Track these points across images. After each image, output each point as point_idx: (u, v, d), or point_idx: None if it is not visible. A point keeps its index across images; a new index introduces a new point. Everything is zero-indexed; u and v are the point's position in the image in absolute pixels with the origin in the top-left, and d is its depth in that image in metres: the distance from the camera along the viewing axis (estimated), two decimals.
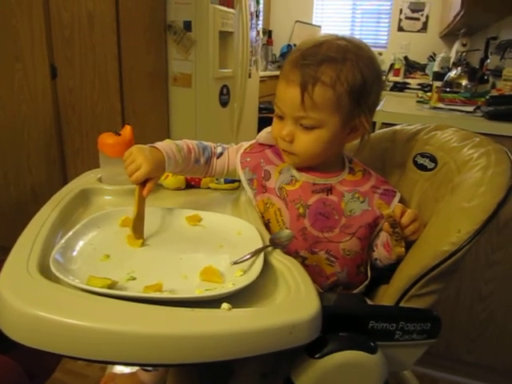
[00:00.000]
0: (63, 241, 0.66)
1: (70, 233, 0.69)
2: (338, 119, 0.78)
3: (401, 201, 0.87)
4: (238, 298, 0.58)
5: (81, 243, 0.69)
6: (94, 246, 0.69)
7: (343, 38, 0.79)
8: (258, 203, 0.88)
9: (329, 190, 0.85)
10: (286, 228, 0.83)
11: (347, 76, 0.76)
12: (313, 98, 0.75)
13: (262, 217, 0.87)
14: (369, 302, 0.82)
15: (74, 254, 0.66)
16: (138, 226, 0.75)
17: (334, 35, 0.81)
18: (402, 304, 0.74)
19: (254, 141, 0.94)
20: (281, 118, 0.82)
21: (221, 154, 0.93)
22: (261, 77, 3.60)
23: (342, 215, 0.84)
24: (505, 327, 1.47)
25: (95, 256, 0.67)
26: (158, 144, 0.84)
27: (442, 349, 1.54)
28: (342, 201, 0.84)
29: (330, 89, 0.75)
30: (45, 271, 0.59)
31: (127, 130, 0.96)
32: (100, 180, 0.97)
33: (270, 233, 0.83)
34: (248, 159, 0.90)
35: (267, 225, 0.85)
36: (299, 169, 0.87)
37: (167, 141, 0.87)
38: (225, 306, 0.56)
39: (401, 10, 4.61)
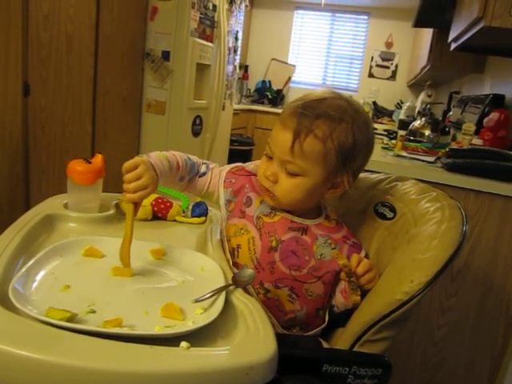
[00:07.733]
0: (24, 269, 0.65)
1: (32, 261, 0.68)
2: (321, 172, 0.81)
3: (365, 256, 0.89)
4: (196, 336, 0.59)
5: (42, 272, 0.68)
6: (55, 276, 0.69)
7: (344, 99, 0.83)
8: (228, 226, 0.88)
9: (304, 230, 0.87)
10: (256, 258, 0.85)
11: (339, 136, 0.79)
12: (302, 147, 0.78)
13: (229, 240, 0.87)
14: (324, 344, 0.84)
15: (35, 283, 0.65)
16: (127, 251, 0.74)
17: (337, 93, 0.84)
18: (356, 348, 0.77)
19: (239, 164, 0.94)
20: (270, 158, 0.85)
21: (204, 174, 0.92)
22: (234, 110, 3.67)
23: (312, 257, 0.86)
24: (454, 371, 1.51)
25: (56, 286, 0.66)
26: (152, 159, 0.82)
27: None
28: (315, 243, 0.86)
29: (321, 143, 0.78)
30: (3, 300, 0.58)
31: (98, 159, 0.96)
32: (66, 206, 0.96)
33: (237, 256, 0.85)
34: (233, 180, 0.91)
35: (236, 250, 0.86)
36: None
37: (159, 154, 0.85)
38: (183, 344, 0.56)
39: (372, 58, 4.85)
